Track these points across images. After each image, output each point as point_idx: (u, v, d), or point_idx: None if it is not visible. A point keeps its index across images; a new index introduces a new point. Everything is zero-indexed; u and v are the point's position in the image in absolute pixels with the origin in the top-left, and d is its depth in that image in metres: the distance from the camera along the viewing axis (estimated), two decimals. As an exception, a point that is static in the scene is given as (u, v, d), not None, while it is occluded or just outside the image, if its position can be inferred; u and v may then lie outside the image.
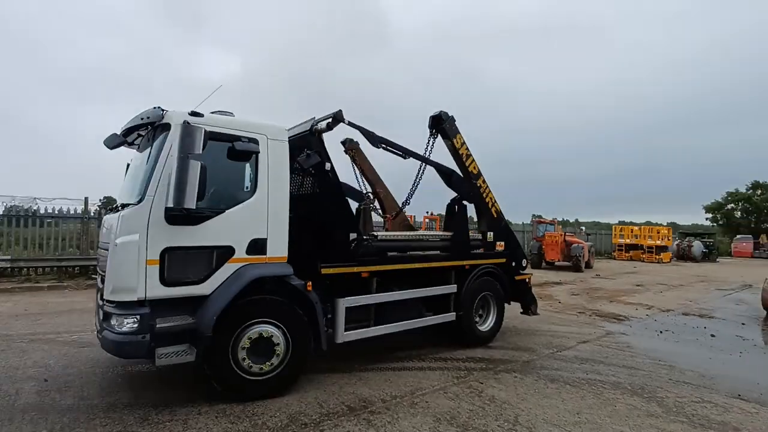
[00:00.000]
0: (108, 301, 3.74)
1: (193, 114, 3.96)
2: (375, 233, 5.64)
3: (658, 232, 25.25)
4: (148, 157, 4.04)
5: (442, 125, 6.31)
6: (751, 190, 42.96)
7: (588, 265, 18.70)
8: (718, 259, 27.58)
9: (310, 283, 4.40)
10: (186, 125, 3.69)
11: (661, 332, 7.48)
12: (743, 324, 8.41)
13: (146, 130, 4.27)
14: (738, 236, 34.71)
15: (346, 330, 4.76)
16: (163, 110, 3.98)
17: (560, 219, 30.44)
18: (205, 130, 3.71)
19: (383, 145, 5.55)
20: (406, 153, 5.80)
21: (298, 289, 4.31)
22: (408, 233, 6.49)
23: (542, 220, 21.04)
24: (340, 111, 4.89)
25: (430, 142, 6.24)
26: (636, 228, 26.80)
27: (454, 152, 6.48)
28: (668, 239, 25.37)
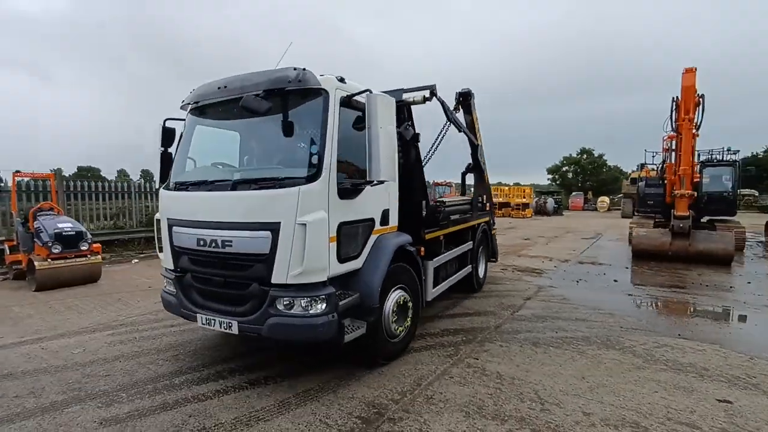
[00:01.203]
0: (280, 284, 3.40)
1: (341, 80, 3.70)
2: (442, 199, 6.49)
3: (524, 191, 28.56)
4: (291, 125, 3.51)
5: (468, 101, 7.05)
6: (580, 155, 51.60)
7: (476, 224, 20.13)
8: (563, 213, 32.61)
9: (423, 249, 4.84)
10: (381, 97, 3.64)
11: (578, 281, 8.18)
12: (627, 267, 9.76)
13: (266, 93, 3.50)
14: (573, 193, 41.48)
15: (433, 288, 5.18)
16: (309, 72, 3.54)
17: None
18: (395, 101, 3.83)
19: (451, 122, 6.22)
20: (460, 127, 6.57)
21: (413, 255, 4.53)
22: (453, 198, 7.28)
23: (438, 182, 21.86)
24: (435, 85, 5.09)
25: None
26: (506, 188, 29.88)
27: (471, 125, 7.14)
28: (530, 197, 28.92)
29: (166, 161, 4.33)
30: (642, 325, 5.51)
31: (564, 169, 52.43)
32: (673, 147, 13.76)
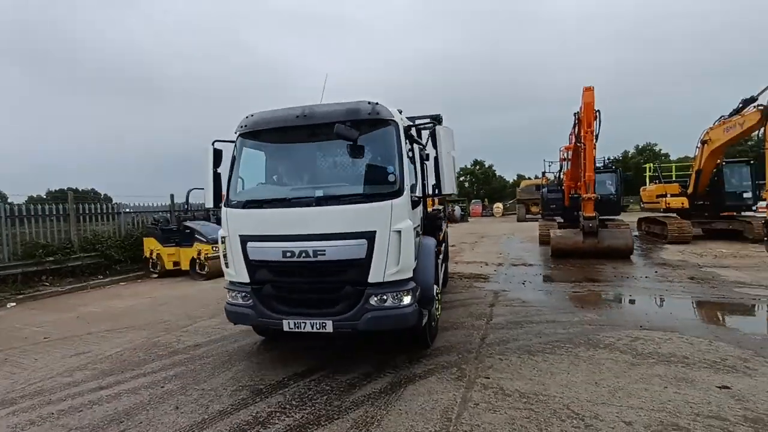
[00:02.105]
0: (377, 283, 3.92)
1: (400, 112, 4.46)
2: (439, 208, 6.88)
3: (434, 200, 29.73)
4: (363, 149, 4.05)
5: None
6: (473, 166, 55.99)
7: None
8: (468, 219, 34.76)
9: (441, 249, 5.81)
10: (445, 129, 4.49)
11: (523, 283, 8.43)
12: (552, 266, 10.44)
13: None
14: (473, 201, 44.64)
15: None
16: (381, 106, 4.16)
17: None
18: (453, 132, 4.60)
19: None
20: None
21: (437, 255, 5.08)
22: (438, 207, 7.42)
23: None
24: (440, 115, 6.01)
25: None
26: (418, 198, 30.79)
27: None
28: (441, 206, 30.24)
29: (218, 182, 4.55)
30: (605, 321, 5.74)
31: (462, 178, 56.28)
32: (569, 157, 15.43)
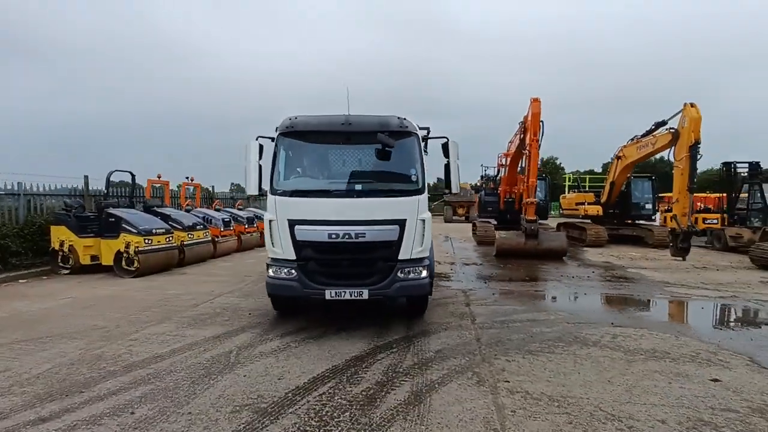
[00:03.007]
0: (405, 260, 4.93)
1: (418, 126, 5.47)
2: None
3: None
4: (393, 155, 5.08)
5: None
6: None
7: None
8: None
9: None
10: (453, 142, 5.42)
11: (485, 282, 8.55)
12: (501, 266, 10.79)
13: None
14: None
15: None
16: (408, 120, 5.23)
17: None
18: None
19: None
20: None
21: None
22: None
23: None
24: (428, 128, 5.91)
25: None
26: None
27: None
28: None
29: (261, 172, 5.18)
30: (577, 318, 5.96)
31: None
32: (507, 163, 16.27)
